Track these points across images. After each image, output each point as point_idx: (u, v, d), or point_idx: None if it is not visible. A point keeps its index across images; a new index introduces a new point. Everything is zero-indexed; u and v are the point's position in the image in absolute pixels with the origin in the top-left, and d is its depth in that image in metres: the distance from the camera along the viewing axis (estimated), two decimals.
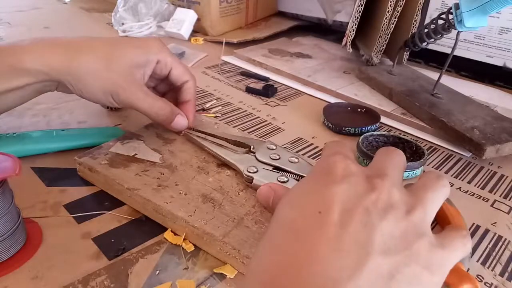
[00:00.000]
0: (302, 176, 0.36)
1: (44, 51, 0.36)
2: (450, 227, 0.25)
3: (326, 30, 0.88)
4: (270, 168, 0.37)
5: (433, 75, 0.61)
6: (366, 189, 0.21)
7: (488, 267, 0.31)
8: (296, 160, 0.37)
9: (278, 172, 0.36)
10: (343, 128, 0.48)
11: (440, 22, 0.50)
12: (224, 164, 0.38)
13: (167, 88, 0.45)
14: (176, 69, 0.41)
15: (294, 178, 0.35)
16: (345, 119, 0.50)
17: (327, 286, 0.17)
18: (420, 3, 0.59)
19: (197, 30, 0.83)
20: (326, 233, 0.19)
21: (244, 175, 0.35)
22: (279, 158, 0.37)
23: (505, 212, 0.38)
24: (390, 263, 0.18)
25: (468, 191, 0.40)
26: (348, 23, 0.67)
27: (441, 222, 0.34)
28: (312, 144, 0.47)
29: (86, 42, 0.38)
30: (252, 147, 0.39)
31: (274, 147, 0.39)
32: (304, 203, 0.21)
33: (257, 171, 0.36)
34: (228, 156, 0.38)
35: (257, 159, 0.38)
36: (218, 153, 0.38)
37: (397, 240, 0.19)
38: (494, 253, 0.33)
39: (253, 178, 0.35)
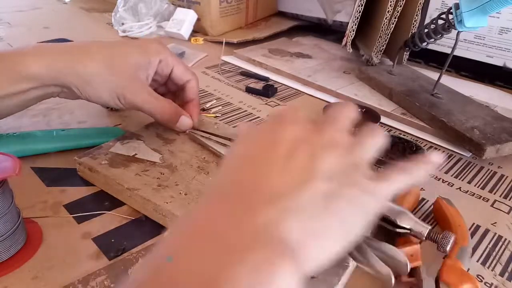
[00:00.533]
0: None
1: (50, 55, 0.36)
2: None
3: (326, 30, 0.88)
4: None
5: (433, 75, 0.61)
6: (312, 130, 0.24)
7: (488, 267, 0.31)
8: None
9: None
10: None
11: (440, 22, 0.50)
12: None
13: (166, 90, 0.45)
14: (178, 68, 0.42)
15: None
16: None
17: (272, 200, 0.19)
18: (420, 3, 0.59)
19: (197, 30, 0.83)
20: (275, 162, 0.21)
21: None
22: None
23: (505, 212, 0.38)
24: (331, 187, 0.21)
25: (468, 191, 0.40)
26: (348, 23, 0.67)
27: (441, 222, 0.34)
28: None
29: (89, 46, 0.38)
30: None
31: None
32: (257, 141, 0.24)
33: None
34: None
35: None
36: (222, 152, 0.38)
37: (338, 172, 0.21)
38: (494, 253, 0.33)
39: None
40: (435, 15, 0.51)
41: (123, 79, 0.37)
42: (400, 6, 0.60)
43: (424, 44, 0.54)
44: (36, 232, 0.31)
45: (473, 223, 0.36)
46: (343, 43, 0.67)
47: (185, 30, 0.79)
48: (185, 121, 0.41)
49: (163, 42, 0.42)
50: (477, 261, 0.32)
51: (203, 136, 0.41)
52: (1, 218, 0.27)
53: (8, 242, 0.28)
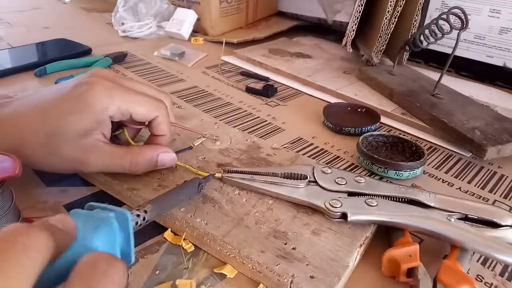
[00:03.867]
0: (389, 197, 0.33)
1: None
2: None
3: (326, 30, 0.88)
4: (345, 195, 0.33)
5: (433, 75, 0.61)
6: None
7: (488, 267, 0.31)
8: (362, 180, 0.34)
9: (363, 197, 0.33)
10: (343, 128, 0.49)
11: (441, 22, 0.50)
12: (223, 164, 0.38)
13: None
14: (137, 113, 0.34)
15: (383, 198, 0.33)
16: (345, 119, 0.50)
17: None
18: (420, 3, 0.59)
19: (197, 30, 0.83)
20: None
21: (331, 212, 0.31)
22: (346, 183, 0.34)
23: None
24: None
25: (468, 191, 0.40)
26: (348, 23, 0.67)
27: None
28: (312, 144, 0.47)
29: (25, 129, 0.32)
30: (308, 176, 0.35)
31: (329, 171, 0.35)
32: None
33: (341, 204, 0.32)
34: (293, 193, 0.34)
35: (323, 188, 0.34)
36: (279, 192, 0.34)
37: None
38: None
39: (347, 214, 0.31)
40: (435, 15, 0.51)
41: (72, 155, 0.32)
42: (400, 6, 0.60)
43: (425, 44, 0.54)
44: None
45: None
46: (343, 43, 0.67)
47: (185, 30, 0.79)
48: (165, 158, 0.35)
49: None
50: (477, 261, 0.32)
51: (243, 178, 0.35)
52: (1, 218, 0.27)
53: None
